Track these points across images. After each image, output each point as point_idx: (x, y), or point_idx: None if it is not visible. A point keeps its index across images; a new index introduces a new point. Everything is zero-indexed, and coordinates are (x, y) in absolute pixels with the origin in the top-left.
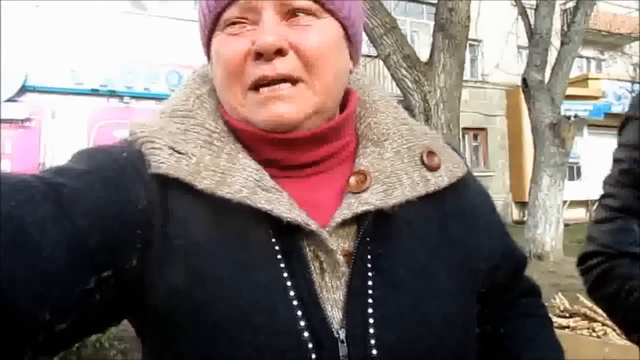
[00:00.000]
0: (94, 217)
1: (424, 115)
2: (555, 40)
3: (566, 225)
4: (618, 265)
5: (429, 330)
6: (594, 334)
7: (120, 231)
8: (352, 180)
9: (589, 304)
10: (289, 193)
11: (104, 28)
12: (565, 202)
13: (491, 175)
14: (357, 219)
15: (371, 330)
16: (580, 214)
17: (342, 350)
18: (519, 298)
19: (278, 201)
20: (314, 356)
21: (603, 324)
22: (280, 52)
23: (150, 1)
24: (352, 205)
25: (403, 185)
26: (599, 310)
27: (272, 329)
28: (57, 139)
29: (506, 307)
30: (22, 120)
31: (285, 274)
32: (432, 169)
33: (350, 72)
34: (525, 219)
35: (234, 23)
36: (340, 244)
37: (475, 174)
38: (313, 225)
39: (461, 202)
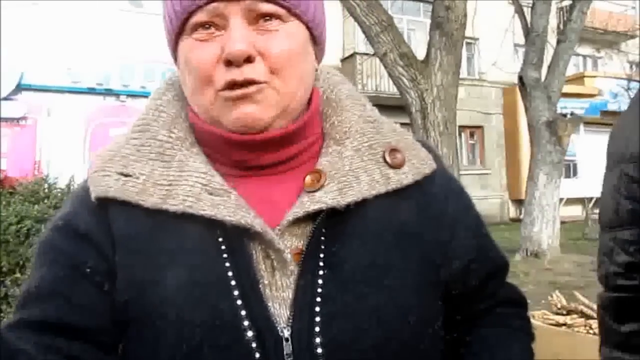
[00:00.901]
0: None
1: (420, 113)
2: (552, 38)
3: (563, 223)
4: None
5: (379, 324)
6: (591, 332)
7: (91, 294)
8: (308, 179)
9: (586, 301)
10: (250, 191)
11: (101, 26)
12: (561, 199)
13: (488, 173)
14: (314, 218)
15: (317, 328)
16: (576, 212)
17: (287, 348)
18: (495, 307)
19: (224, 204)
20: (257, 355)
21: None
22: (248, 59)
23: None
24: (305, 204)
25: (361, 184)
26: (596, 308)
27: (214, 327)
28: (53, 138)
29: (479, 314)
30: (18, 119)
31: (230, 273)
32: (395, 166)
33: (316, 70)
34: (521, 216)
35: (202, 27)
36: (295, 243)
37: (471, 172)
38: (257, 226)
39: (426, 198)
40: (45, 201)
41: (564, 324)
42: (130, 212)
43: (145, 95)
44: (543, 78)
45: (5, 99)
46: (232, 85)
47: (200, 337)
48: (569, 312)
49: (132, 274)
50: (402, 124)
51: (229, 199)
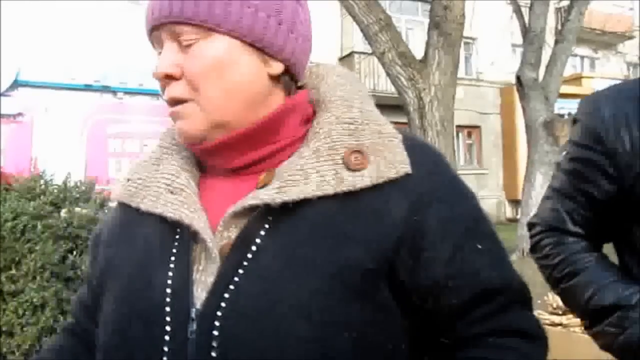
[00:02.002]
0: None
1: (418, 113)
2: (550, 39)
3: None
4: (549, 235)
5: (278, 320)
6: (586, 332)
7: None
8: (261, 177)
9: None
10: (215, 190)
11: (98, 23)
12: None
13: (485, 173)
14: (264, 213)
15: (219, 313)
16: None
17: (192, 326)
18: (487, 335)
19: (173, 201)
20: (168, 328)
21: None
22: (172, 77)
23: None
24: (245, 200)
25: (309, 183)
26: None
27: (143, 300)
28: (50, 135)
29: (466, 341)
30: (15, 115)
31: (173, 258)
32: (353, 168)
33: (273, 75)
34: (518, 217)
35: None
36: (237, 235)
37: (469, 171)
38: (187, 220)
39: (382, 204)
40: (42, 198)
41: (560, 324)
42: (126, 210)
43: (142, 92)
44: (541, 78)
45: (2, 95)
46: (169, 103)
47: (130, 309)
48: (565, 312)
49: (103, 254)
50: (400, 124)
51: (180, 196)
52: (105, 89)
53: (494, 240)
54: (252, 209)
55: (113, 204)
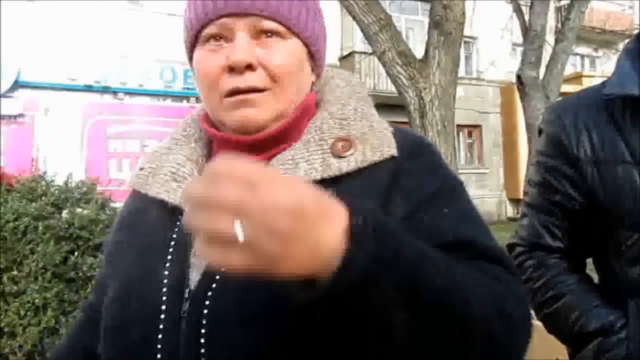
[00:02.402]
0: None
1: (419, 112)
2: (550, 38)
3: None
4: (530, 257)
5: (265, 298)
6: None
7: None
8: None
9: None
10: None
11: (98, 24)
12: None
13: (485, 173)
14: None
15: (209, 293)
16: None
17: (185, 306)
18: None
19: (177, 189)
20: (164, 307)
21: None
22: (250, 67)
23: None
24: None
25: (297, 172)
26: None
27: (142, 280)
28: (50, 135)
29: None
30: (15, 116)
31: (173, 242)
32: (339, 155)
33: (313, 83)
34: (519, 216)
35: (213, 38)
36: None
37: (469, 171)
38: (184, 206)
39: (363, 187)
40: (43, 198)
41: None
42: (136, 197)
43: (142, 93)
44: (541, 77)
45: (3, 96)
46: (235, 92)
47: (134, 289)
48: None
49: (112, 238)
50: (400, 123)
51: (183, 184)
52: (105, 90)
53: (467, 209)
54: None
55: (114, 204)
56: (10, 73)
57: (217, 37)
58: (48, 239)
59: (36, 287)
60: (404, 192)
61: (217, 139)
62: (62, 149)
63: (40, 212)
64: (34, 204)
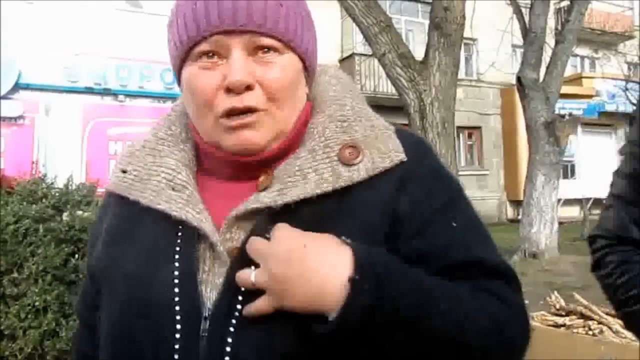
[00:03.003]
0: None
1: (419, 114)
2: (550, 39)
3: (561, 223)
4: (614, 251)
5: (292, 319)
6: (589, 333)
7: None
8: (261, 179)
9: (585, 302)
10: (214, 188)
11: (99, 25)
12: (559, 200)
13: (486, 174)
14: (265, 215)
15: (236, 313)
16: (574, 212)
17: (204, 325)
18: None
19: (176, 199)
20: (178, 327)
21: (599, 322)
22: (248, 88)
23: None
24: (248, 203)
25: (307, 183)
26: (595, 308)
27: (150, 299)
28: (51, 137)
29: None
30: (16, 118)
31: (177, 257)
32: (349, 163)
33: (307, 94)
34: (519, 217)
35: (205, 55)
36: (241, 237)
37: (470, 172)
38: (195, 222)
39: (372, 196)
40: (44, 201)
41: (563, 325)
42: (124, 203)
43: (143, 95)
44: (541, 79)
45: (3, 98)
46: (231, 112)
47: (139, 309)
48: (568, 313)
49: (104, 251)
50: (401, 125)
51: (183, 194)
52: (106, 92)
53: (472, 219)
54: (254, 211)
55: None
56: (11, 75)
57: (210, 54)
58: (48, 241)
59: (36, 290)
60: (413, 201)
61: (215, 157)
62: (62, 151)
63: (40, 215)
64: (34, 206)
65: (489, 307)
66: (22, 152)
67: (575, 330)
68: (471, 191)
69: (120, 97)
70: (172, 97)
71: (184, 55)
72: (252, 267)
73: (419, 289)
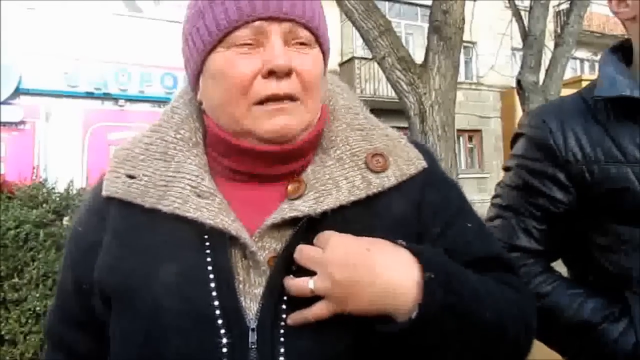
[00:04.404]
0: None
1: (419, 117)
2: (549, 42)
3: None
4: None
5: (339, 324)
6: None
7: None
8: (290, 187)
9: None
10: (237, 195)
11: (99, 30)
12: None
13: (486, 177)
14: (294, 223)
15: (282, 323)
16: None
17: (252, 337)
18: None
19: (207, 207)
20: (224, 341)
21: None
22: (288, 74)
23: (145, 3)
24: (284, 211)
25: (340, 191)
26: None
27: (187, 313)
28: (51, 142)
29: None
30: (16, 123)
31: (210, 268)
32: (378, 170)
33: None
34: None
35: (244, 44)
36: (273, 245)
37: (470, 175)
38: (233, 231)
39: (399, 200)
40: (44, 206)
41: None
42: (131, 210)
43: (143, 99)
44: (541, 82)
45: (4, 103)
46: (271, 98)
47: (173, 322)
48: None
49: (119, 261)
50: (401, 128)
51: (213, 202)
52: (106, 97)
53: (480, 220)
54: (288, 220)
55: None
56: (11, 80)
57: (247, 42)
58: (49, 246)
59: (37, 295)
60: (434, 206)
61: (235, 150)
62: (63, 156)
63: (41, 220)
64: (35, 211)
65: (513, 297)
66: (23, 157)
67: None
68: (471, 194)
69: (121, 101)
70: None
71: (217, 41)
72: (308, 276)
73: (471, 283)
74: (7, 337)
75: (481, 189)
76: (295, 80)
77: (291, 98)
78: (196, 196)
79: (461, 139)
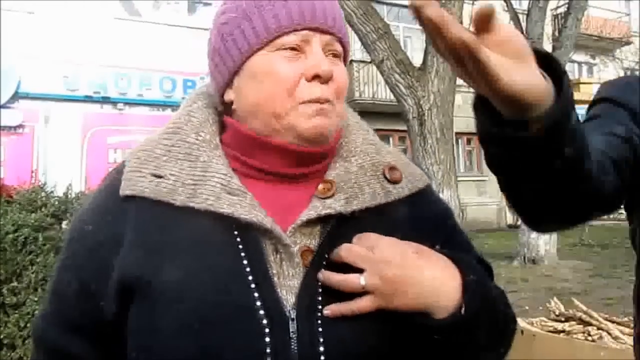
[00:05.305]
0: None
1: (417, 120)
2: (547, 45)
3: None
4: None
5: (372, 323)
6: (589, 338)
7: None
8: (320, 187)
9: (584, 307)
10: (263, 194)
11: (98, 34)
12: None
13: (485, 180)
14: (322, 221)
15: (319, 314)
16: None
17: (292, 327)
18: None
19: (240, 203)
20: (267, 330)
21: (598, 328)
22: (329, 79)
23: (144, 7)
24: (317, 208)
25: (364, 195)
26: (595, 314)
27: (228, 305)
28: (50, 146)
29: None
30: (15, 127)
31: (245, 262)
32: (394, 181)
33: None
34: (519, 223)
35: (290, 48)
36: (304, 241)
37: (469, 178)
38: (268, 224)
39: (418, 207)
40: (43, 209)
41: (562, 331)
42: (158, 208)
43: (142, 103)
44: None
45: (3, 107)
46: (316, 100)
47: (214, 315)
48: (568, 319)
49: (152, 257)
50: (399, 131)
51: (245, 199)
52: (105, 100)
53: (463, 232)
54: (320, 218)
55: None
56: (10, 84)
57: (293, 47)
58: (48, 250)
59: (36, 299)
60: (438, 218)
61: (263, 147)
62: (62, 160)
63: (40, 223)
64: (33, 215)
65: (502, 294)
66: (22, 160)
67: (574, 336)
68: (470, 197)
69: (120, 105)
70: (171, 105)
71: (265, 44)
72: (324, 269)
73: (487, 282)
74: (5, 341)
75: (480, 191)
76: (332, 87)
77: (329, 102)
78: (227, 194)
79: (460, 141)
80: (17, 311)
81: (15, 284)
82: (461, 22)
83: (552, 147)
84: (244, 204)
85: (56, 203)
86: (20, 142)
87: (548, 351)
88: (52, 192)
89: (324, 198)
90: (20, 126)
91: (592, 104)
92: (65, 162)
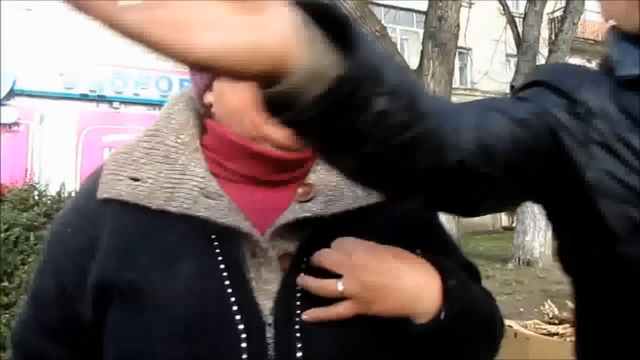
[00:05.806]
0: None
1: None
2: (544, 49)
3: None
4: None
5: (350, 328)
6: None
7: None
8: (300, 191)
9: None
10: (242, 197)
11: (95, 32)
12: None
13: None
14: (302, 225)
15: (297, 319)
16: None
17: (270, 332)
18: None
19: (217, 207)
20: (243, 336)
21: None
22: None
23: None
24: (296, 212)
25: (345, 198)
26: None
27: (204, 311)
28: (46, 144)
29: None
30: (10, 125)
31: (222, 266)
32: None
33: None
34: (514, 225)
35: None
36: (283, 245)
37: None
38: (245, 228)
39: (397, 213)
40: (35, 208)
41: (556, 334)
42: (136, 211)
43: (138, 102)
44: None
45: None
46: None
47: (190, 321)
48: (561, 322)
49: (131, 260)
50: None
51: (222, 202)
52: (101, 99)
53: (448, 232)
54: (299, 221)
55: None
56: (7, 81)
57: None
58: (39, 250)
59: None
60: (419, 220)
61: (243, 153)
62: (57, 158)
63: (32, 223)
64: (25, 214)
65: (488, 298)
66: (17, 158)
67: (568, 339)
68: None
69: (116, 104)
70: None
71: None
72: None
73: (473, 288)
74: None
75: None
76: None
77: None
78: (204, 197)
79: None
80: (8, 312)
81: (6, 283)
82: (458, 26)
83: (352, 102)
84: (221, 208)
85: (48, 202)
86: (15, 139)
87: (542, 354)
88: (44, 191)
89: (303, 202)
90: (16, 124)
91: (522, 87)
92: (60, 161)
